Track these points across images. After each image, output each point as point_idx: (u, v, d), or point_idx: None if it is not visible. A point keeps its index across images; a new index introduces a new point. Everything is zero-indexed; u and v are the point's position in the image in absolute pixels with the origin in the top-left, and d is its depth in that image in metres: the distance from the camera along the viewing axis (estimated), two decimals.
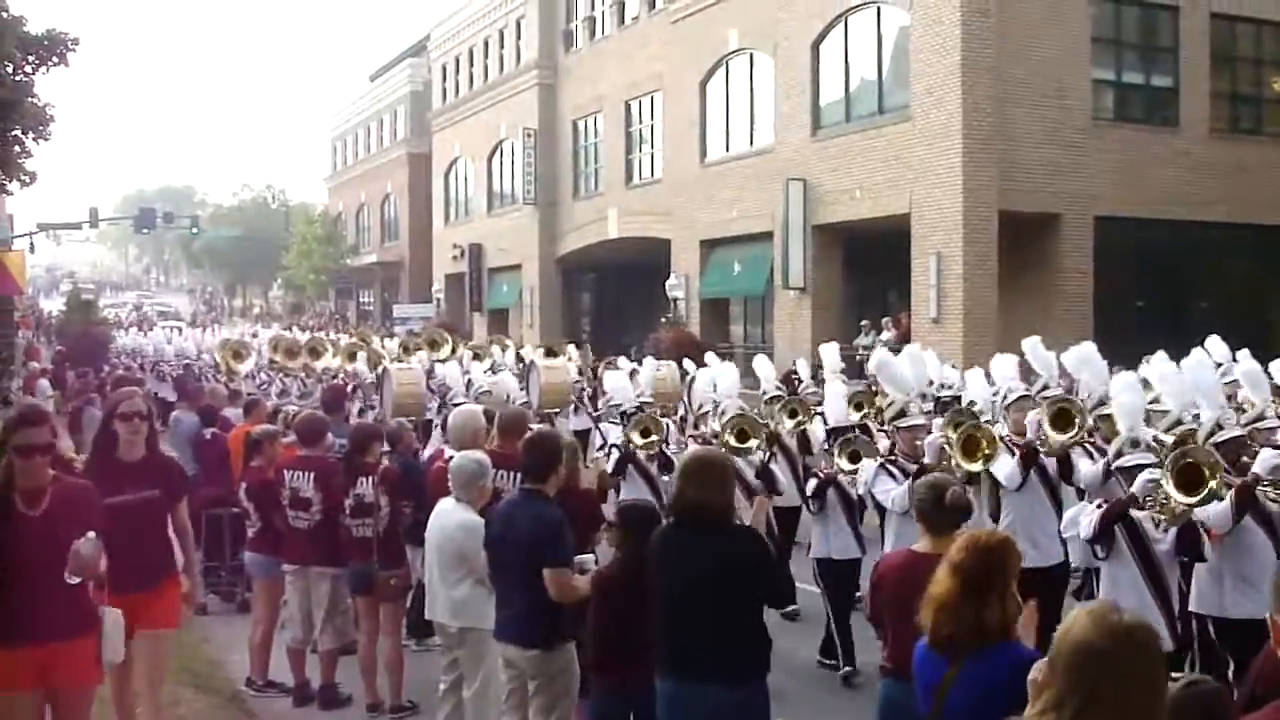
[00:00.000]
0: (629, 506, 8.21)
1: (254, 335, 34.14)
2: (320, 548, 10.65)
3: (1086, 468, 10.34)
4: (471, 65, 57.31)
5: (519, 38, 51.90)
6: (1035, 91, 28.63)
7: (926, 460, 10.62)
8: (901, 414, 11.94)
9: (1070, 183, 28.95)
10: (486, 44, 55.42)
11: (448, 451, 10.48)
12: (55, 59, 24.88)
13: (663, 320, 38.12)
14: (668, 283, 38.77)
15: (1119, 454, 9.39)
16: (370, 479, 10.39)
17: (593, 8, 46.91)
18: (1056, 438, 10.53)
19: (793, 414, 14.33)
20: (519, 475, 8.59)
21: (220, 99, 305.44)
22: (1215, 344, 15.05)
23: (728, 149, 36.96)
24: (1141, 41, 31.10)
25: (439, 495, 9.03)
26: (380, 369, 17.56)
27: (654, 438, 13.06)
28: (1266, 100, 30.48)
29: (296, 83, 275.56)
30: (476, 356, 21.46)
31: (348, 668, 10.86)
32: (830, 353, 18.05)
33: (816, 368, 19.33)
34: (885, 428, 12.67)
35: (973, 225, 27.79)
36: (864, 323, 31.75)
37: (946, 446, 10.78)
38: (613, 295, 49.87)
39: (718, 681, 6.53)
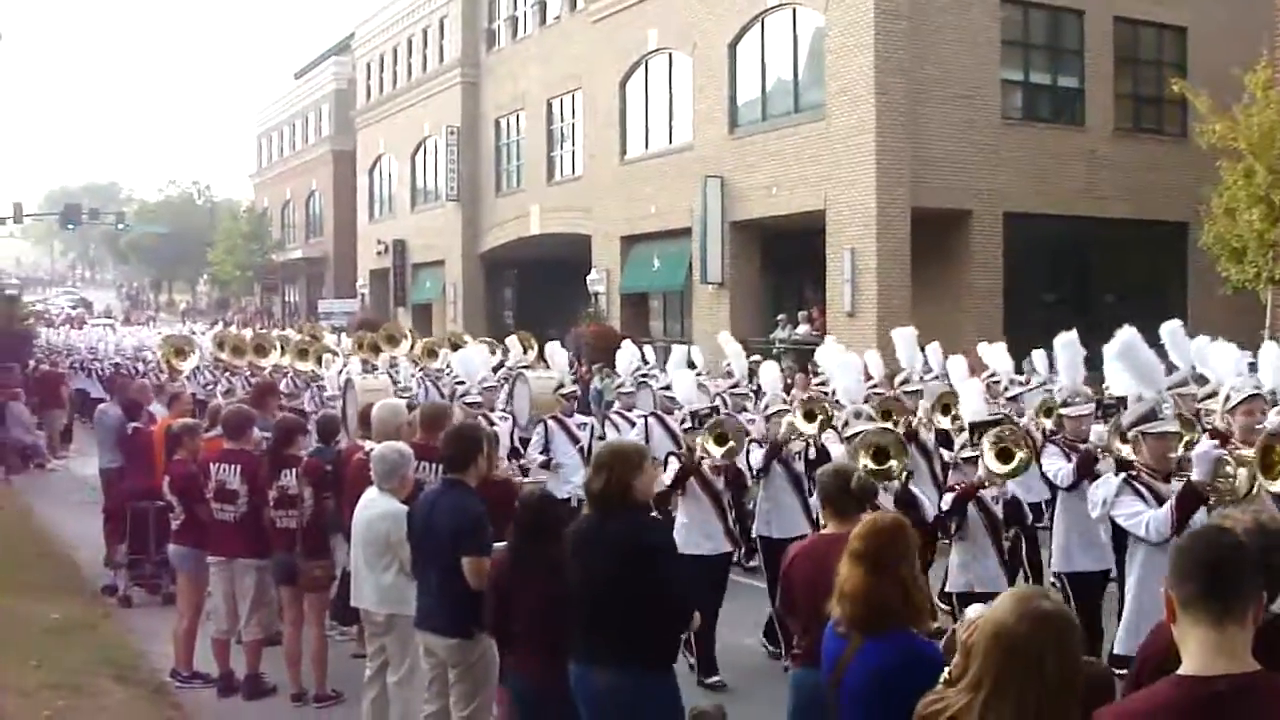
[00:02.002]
0: (524, 495, 8.06)
1: (193, 333, 33.96)
2: (246, 540, 10.59)
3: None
4: (395, 63, 57.34)
5: (442, 36, 51.98)
6: (946, 91, 29.16)
7: (1195, 476, 8.08)
8: (1151, 416, 8.93)
9: (981, 180, 29.50)
10: (410, 42, 55.44)
11: (367, 445, 10.47)
12: None
13: (584, 315, 38.49)
14: (589, 278, 39.07)
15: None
16: (294, 471, 10.36)
17: (515, 7, 47.10)
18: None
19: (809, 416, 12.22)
20: (439, 466, 8.67)
21: (145, 95, 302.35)
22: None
23: (647, 147, 37.30)
24: (1049, 44, 31.69)
25: (358, 486, 9.14)
26: (345, 374, 17.31)
27: (731, 445, 11.39)
28: (1167, 101, 31.14)
29: (222, 80, 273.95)
30: (431, 353, 21.28)
31: (272, 658, 10.81)
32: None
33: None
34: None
35: (886, 221, 28.31)
36: (781, 316, 32.08)
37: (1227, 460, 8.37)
38: (535, 290, 50.03)
39: (624, 666, 6.62)
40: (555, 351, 18.68)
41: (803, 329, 30.92)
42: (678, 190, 34.58)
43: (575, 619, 6.85)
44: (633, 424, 15.89)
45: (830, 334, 23.63)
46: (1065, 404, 11.37)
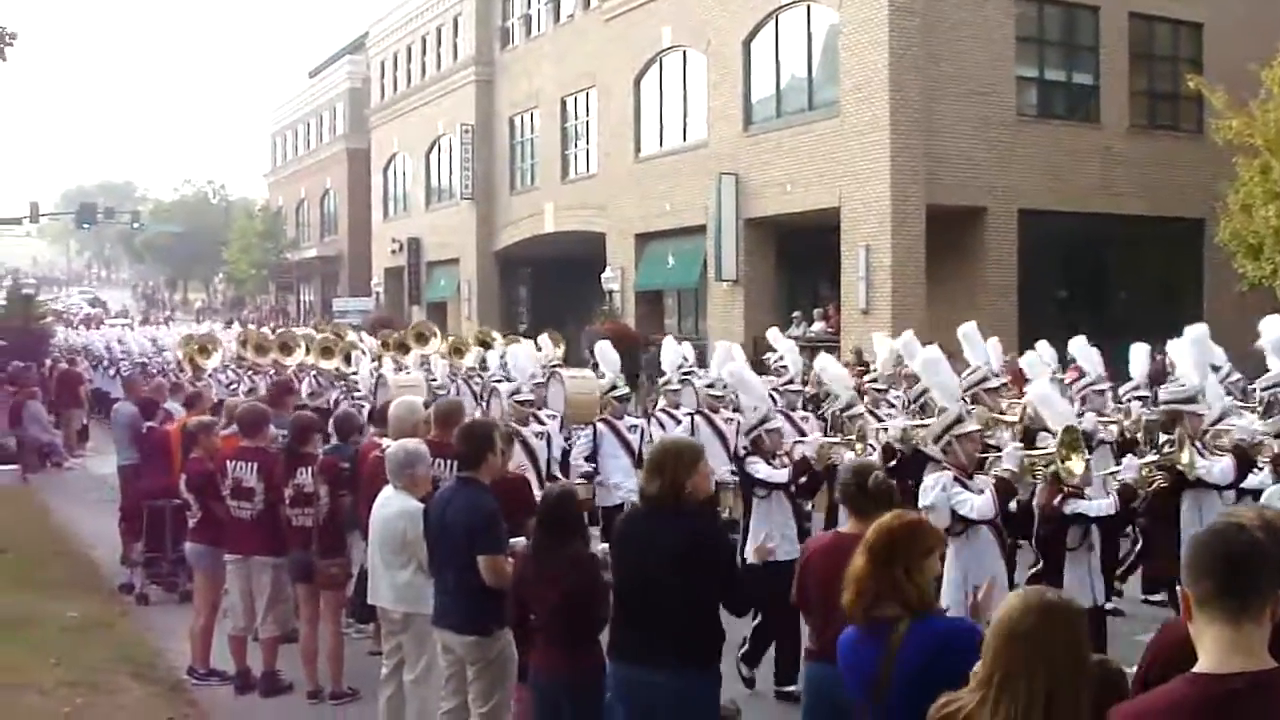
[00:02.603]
0: (545, 491, 8.16)
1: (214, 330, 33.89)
2: (262, 538, 10.57)
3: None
4: (409, 62, 57.42)
5: (456, 35, 52.06)
6: (961, 88, 29.15)
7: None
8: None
9: (995, 177, 29.49)
10: (424, 41, 55.52)
11: (384, 442, 10.41)
12: None
13: (599, 312, 38.51)
14: (603, 276, 39.14)
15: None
16: (310, 469, 10.35)
17: (529, 6, 47.11)
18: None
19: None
20: (454, 463, 8.64)
21: (160, 95, 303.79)
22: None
23: (661, 144, 37.33)
24: (1064, 40, 31.68)
25: (374, 484, 9.13)
26: (375, 374, 17.12)
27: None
28: (1182, 97, 31.09)
29: (236, 79, 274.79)
30: (458, 351, 20.97)
31: (289, 655, 10.78)
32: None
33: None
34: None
35: (900, 218, 28.32)
36: (795, 314, 32.06)
37: None
38: (549, 288, 50.09)
39: (667, 666, 6.58)
40: (605, 350, 17.65)
41: (817, 326, 30.93)
42: (692, 188, 34.61)
43: (619, 618, 6.87)
44: (678, 422, 15.31)
45: (845, 331, 23.74)
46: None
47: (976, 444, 9.57)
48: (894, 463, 11.24)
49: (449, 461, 9.20)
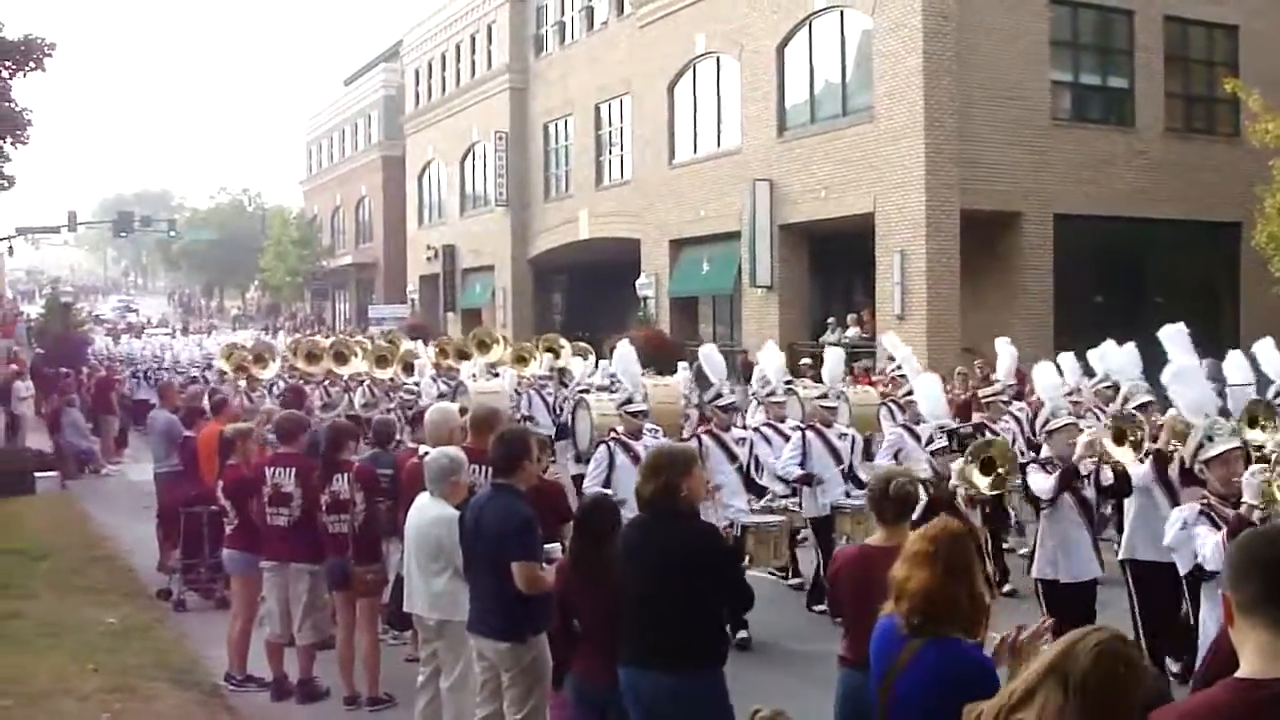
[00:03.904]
0: (583, 498, 8.28)
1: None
2: (299, 544, 10.65)
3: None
4: (444, 69, 57.54)
5: (490, 42, 52.15)
6: (995, 93, 29.00)
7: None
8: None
9: (1030, 182, 29.33)
10: (458, 49, 55.65)
11: (422, 449, 10.58)
12: (32, 64, 24.71)
13: (634, 319, 38.52)
14: (638, 282, 39.13)
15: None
16: (345, 476, 10.41)
17: (562, 13, 47.20)
18: None
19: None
20: (490, 470, 8.65)
21: (196, 103, 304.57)
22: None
23: (695, 151, 37.31)
24: (1098, 44, 31.50)
25: (412, 491, 9.16)
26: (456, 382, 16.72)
27: (1001, 473, 9.66)
28: (1218, 100, 30.94)
29: (271, 87, 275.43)
30: (521, 360, 20.29)
31: (326, 662, 10.88)
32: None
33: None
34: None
35: (935, 224, 28.22)
36: (830, 320, 32.04)
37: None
38: (584, 295, 50.17)
39: (673, 668, 6.66)
40: (686, 370, 16.90)
41: (852, 332, 30.86)
42: (726, 194, 34.60)
43: (625, 623, 6.89)
44: (786, 437, 14.19)
45: (880, 337, 23.63)
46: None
47: (1231, 467, 8.64)
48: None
49: (484, 468, 9.19)
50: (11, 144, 25.11)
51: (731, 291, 35.59)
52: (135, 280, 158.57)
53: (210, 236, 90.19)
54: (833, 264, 34.39)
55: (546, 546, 8.01)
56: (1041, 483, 10.17)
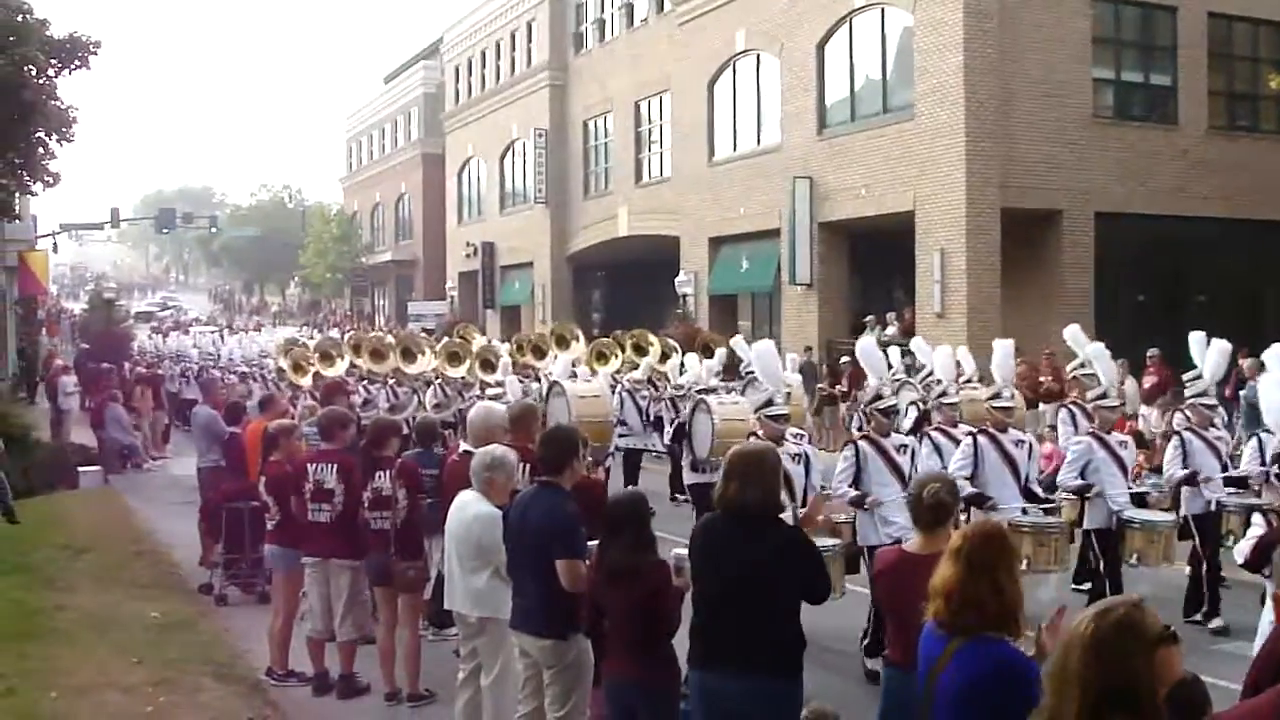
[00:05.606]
0: (614, 495, 8.15)
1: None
2: (340, 540, 10.65)
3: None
4: (484, 67, 57.76)
5: (530, 40, 52.32)
6: (1036, 90, 28.91)
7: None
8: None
9: (1071, 179, 29.20)
10: (498, 46, 55.83)
11: (464, 445, 10.58)
12: (77, 62, 24.71)
13: (673, 316, 38.51)
14: (677, 279, 39.17)
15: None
16: (388, 472, 10.42)
17: (602, 10, 47.36)
18: None
19: None
20: (530, 467, 8.72)
21: (238, 101, 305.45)
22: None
23: (735, 148, 37.32)
24: (1140, 41, 31.33)
25: (455, 488, 9.11)
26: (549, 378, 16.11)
27: None
28: (1263, 98, 30.74)
29: (312, 85, 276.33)
30: (602, 357, 19.76)
31: (366, 657, 10.87)
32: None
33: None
34: None
35: (975, 222, 28.14)
36: (869, 318, 31.84)
37: None
38: (623, 292, 50.18)
39: (752, 673, 6.51)
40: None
41: (892, 330, 30.74)
42: (766, 191, 34.59)
43: (700, 626, 6.77)
44: (957, 442, 12.53)
45: (919, 335, 23.52)
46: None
47: None
48: None
49: (525, 465, 9.21)
50: (57, 141, 25.10)
51: (771, 289, 35.58)
52: (177, 276, 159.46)
53: (251, 233, 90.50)
54: (872, 262, 34.29)
55: (590, 544, 7.92)
56: None
